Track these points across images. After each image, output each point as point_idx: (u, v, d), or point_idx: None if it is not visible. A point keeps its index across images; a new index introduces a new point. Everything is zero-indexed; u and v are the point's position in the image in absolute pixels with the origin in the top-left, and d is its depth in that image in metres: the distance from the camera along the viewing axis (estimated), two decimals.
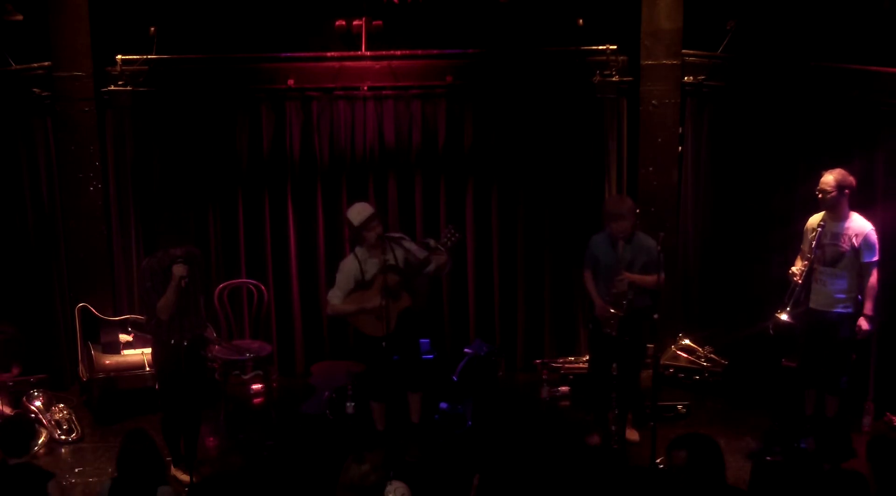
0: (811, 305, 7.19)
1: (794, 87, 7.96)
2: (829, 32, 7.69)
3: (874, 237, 7.07)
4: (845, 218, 7.11)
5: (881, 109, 7.41)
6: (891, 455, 5.42)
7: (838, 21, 7.63)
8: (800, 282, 7.15)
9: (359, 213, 7.19)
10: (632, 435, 7.66)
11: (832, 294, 7.12)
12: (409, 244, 7.35)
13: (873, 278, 7.08)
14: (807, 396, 7.49)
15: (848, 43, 7.59)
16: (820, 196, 7.10)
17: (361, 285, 7.22)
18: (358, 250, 7.25)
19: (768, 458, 6.93)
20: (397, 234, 7.48)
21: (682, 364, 8.62)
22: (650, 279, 7.21)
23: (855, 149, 7.60)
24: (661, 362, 8.28)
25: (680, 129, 8.65)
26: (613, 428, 7.65)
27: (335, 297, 7.30)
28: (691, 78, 8.53)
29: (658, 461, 6.99)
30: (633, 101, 8.66)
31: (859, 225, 7.09)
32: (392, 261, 7.13)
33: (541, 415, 8.27)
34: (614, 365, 7.34)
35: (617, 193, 7.50)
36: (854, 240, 7.05)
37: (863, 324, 7.11)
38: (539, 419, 8.19)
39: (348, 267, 7.27)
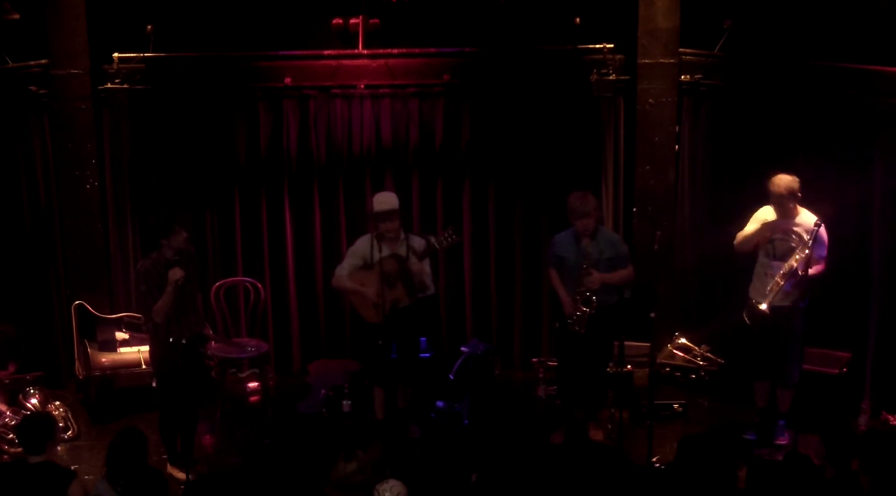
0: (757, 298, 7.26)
1: (791, 86, 7.96)
2: (826, 31, 7.68)
3: (824, 232, 7.12)
4: (795, 215, 7.19)
5: (879, 109, 7.41)
6: (885, 449, 5.43)
7: (836, 20, 7.63)
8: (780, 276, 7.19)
9: (380, 203, 7.29)
10: (595, 434, 7.63)
11: (783, 288, 7.16)
12: (417, 242, 7.40)
13: (816, 269, 7.09)
14: (757, 388, 7.54)
15: (846, 42, 7.59)
16: (771, 194, 7.20)
17: (367, 265, 7.33)
18: (377, 233, 7.34)
19: (766, 458, 6.93)
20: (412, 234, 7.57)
21: (679, 363, 8.62)
22: (621, 275, 7.26)
23: (853, 148, 7.60)
24: (658, 361, 8.30)
25: (677, 128, 8.64)
26: (610, 426, 7.66)
27: (343, 270, 7.42)
28: (688, 76, 8.51)
29: (654, 460, 7.00)
30: (630, 99, 8.65)
31: (807, 220, 7.15)
32: (402, 254, 7.24)
33: (537, 413, 8.28)
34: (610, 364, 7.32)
35: (579, 191, 7.41)
36: (805, 235, 7.09)
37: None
38: (535, 417, 8.19)
39: (361, 244, 7.42)
